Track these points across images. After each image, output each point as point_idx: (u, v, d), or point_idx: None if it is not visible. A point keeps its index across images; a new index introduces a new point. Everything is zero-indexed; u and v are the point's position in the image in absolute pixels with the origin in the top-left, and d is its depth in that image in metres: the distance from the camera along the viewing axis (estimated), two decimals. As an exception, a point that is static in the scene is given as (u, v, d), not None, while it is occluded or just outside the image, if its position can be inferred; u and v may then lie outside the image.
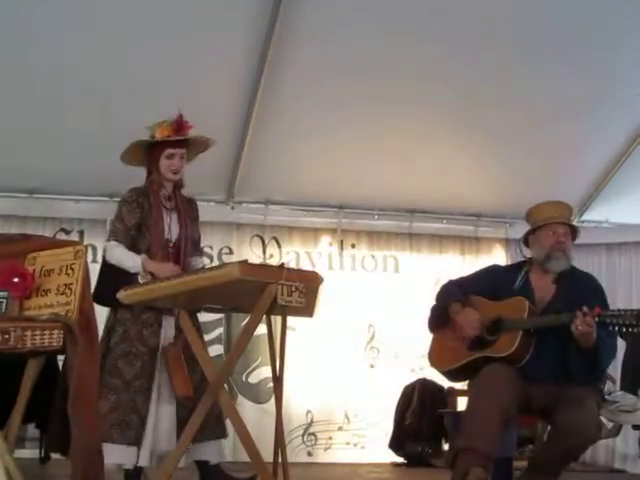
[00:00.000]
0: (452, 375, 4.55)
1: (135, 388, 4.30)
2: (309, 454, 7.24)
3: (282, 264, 3.91)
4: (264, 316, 3.88)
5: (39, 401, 3.70)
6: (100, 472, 3.70)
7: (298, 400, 7.08)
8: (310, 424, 7.25)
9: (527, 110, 6.47)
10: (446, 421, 6.68)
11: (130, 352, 4.36)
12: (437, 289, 4.62)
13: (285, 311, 3.82)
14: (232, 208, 7.29)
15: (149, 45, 5.72)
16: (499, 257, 7.69)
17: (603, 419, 5.75)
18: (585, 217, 7.71)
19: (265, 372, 6.98)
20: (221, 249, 7.28)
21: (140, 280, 4.29)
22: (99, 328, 4.36)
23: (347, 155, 6.77)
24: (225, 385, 4.05)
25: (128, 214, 4.48)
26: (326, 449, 7.29)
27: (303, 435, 7.23)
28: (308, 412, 7.25)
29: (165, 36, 5.68)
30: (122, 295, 4.00)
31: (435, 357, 4.50)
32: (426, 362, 4.58)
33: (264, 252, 7.40)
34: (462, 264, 7.61)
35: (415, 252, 7.72)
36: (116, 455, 4.25)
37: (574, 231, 4.41)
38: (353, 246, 7.63)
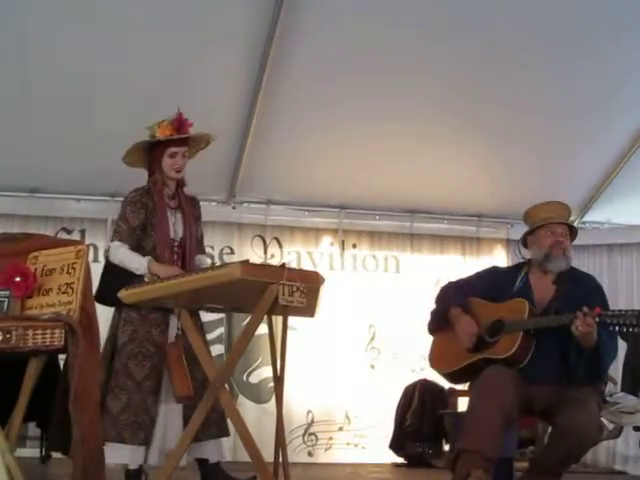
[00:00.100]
0: (453, 377, 4.55)
1: (146, 388, 4.30)
2: (310, 454, 7.24)
3: (283, 264, 3.91)
4: (265, 316, 3.88)
5: (40, 400, 3.70)
6: (101, 471, 3.70)
7: (299, 400, 7.08)
8: (311, 424, 7.26)
9: (529, 110, 6.47)
10: (446, 422, 6.68)
11: (140, 352, 4.35)
12: (438, 290, 4.63)
13: (286, 311, 3.82)
14: (233, 208, 7.29)
15: (150, 45, 5.72)
16: (500, 258, 7.70)
17: (604, 420, 5.75)
18: (587, 218, 7.71)
19: (266, 372, 6.99)
20: (222, 249, 7.28)
21: (146, 281, 4.29)
22: (106, 328, 4.39)
23: (348, 155, 6.77)
24: (226, 385, 4.04)
25: (132, 214, 4.48)
26: (327, 449, 7.29)
27: (304, 435, 7.23)
28: (309, 412, 7.25)
29: (166, 36, 5.68)
30: (123, 294, 4.01)
31: (435, 359, 4.50)
32: (427, 363, 4.57)
33: (265, 252, 7.41)
34: (463, 264, 7.60)
35: (416, 252, 7.72)
36: (125, 455, 4.26)
37: (573, 231, 4.41)
38: (354, 246, 7.63)
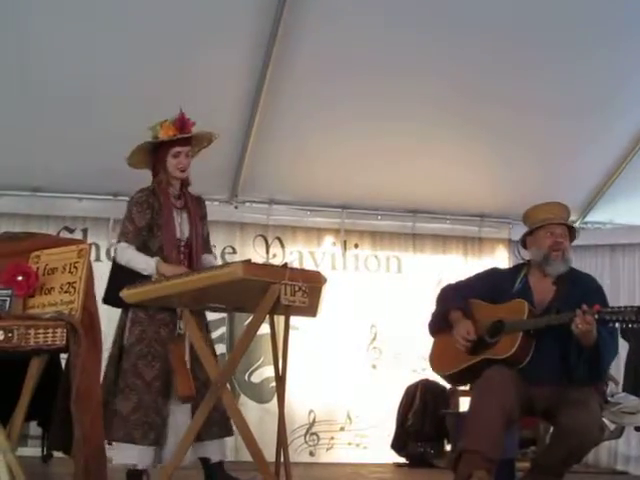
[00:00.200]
0: (453, 379, 4.56)
1: (156, 388, 4.31)
2: (311, 454, 7.23)
3: (285, 264, 3.92)
4: (267, 316, 3.88)
5: (42, 399, 3.70)
6: (103, 470, 3.71)
7: (300, 400, 7.08)
8: (312, 424, 7.25)
9: (531, 110, 6.46)
10: (448, 422, 6.67)
11: (149, 353, 4.36)
12: (439, 290, 4.63)
13: (288, 311, 3.83)
14: (235, 208, 7.28)
15: (151, 44, 5.71)
16: (502, 258, 7.69)
17: (606, 421, 5.75)
18: (589, 218, 7.70)
19: (268, 372, 6.99)
20: (224, 249, 7.27)
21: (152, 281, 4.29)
22: (109, 328, 4.39)
23: (351, 155, 6.77)
24: (227, 384, 4.05)
25: (138, 215, 4.48)
26: (328, 449, 7.29)
27: (305, 435, 7.23)
28: (310, 412, 7.25)
29: (167, 36, 5.67)
30: (125, 294, 4.01)
31: (436, 361, 4.51)
32: (428, 362, 4.58)
33: (267, 252, 7.40)
34: (465, 265, 7.60)
35: (418, 252, 7.72)
36: (135, 455, 4.27)
37: (572, 232, 4.41)
38: (356, 246, 7.62)
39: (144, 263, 4.39)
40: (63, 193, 6.96)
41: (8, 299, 3.65)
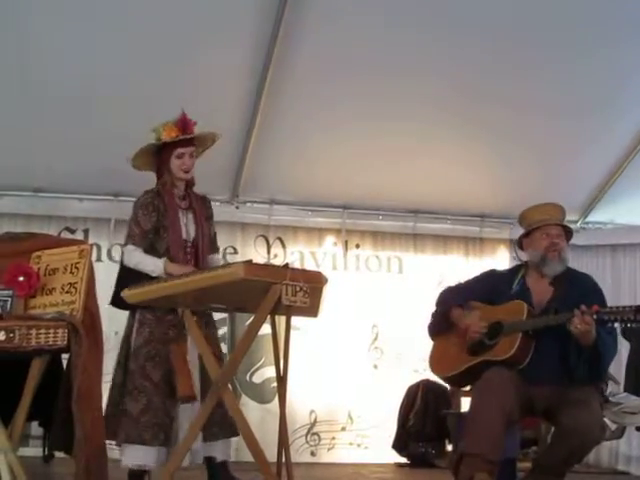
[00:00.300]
0: (453, 381, 4.58)
1: (164, 390, 4.31)
2: (312, 454, 7.23)
3: (286, 264, 3.92)
4: (268, 316, 3.88)
5: (43, 399, 3.71)
6: (104, 470, 3.71)
7: (302, 400, 7.08)
8: (313, 424, 7.25)
9: (531, 110, 6.46)
10: (449, 422, 6.67)
11: (157, 354, 4.36)
12: (440, 290, 4.64)
13: (289, 311, 3.83)
14: (237, 208, 7.28)
15: (152, 44, 5.70)
16: (503, 258, 7.68)
17: (607, 421, 5.75)
18: (590, 218, 7.70)
19: (269, 372, 6.98)
20: (225, 249, 7.26)
21: None
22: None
23: (352, 155, 6.76)
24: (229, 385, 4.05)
25: (144, 217, 4.49)
26: (329, 449, 7.29)
27: (306, 435, 7.23)
28: (312, 412, 7.25)
29: (168, 35, 5.66)
30: (126, 294, 4.01)
31: (435, 363, 4.52)
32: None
33: (268, 252, 7.40)
34: (466, 265, 7.60)
35: (419, 253, 7.71)
36: (145, 456, 4.28)
37: (568, 232, 4.42)
38: (357, 246, 7.62)
39: (152, 265, 4.40)
40: (64, 193, 6.95)
41: (9, 299, 3.66)
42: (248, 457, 3.94)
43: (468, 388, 4.72)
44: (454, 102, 6.37)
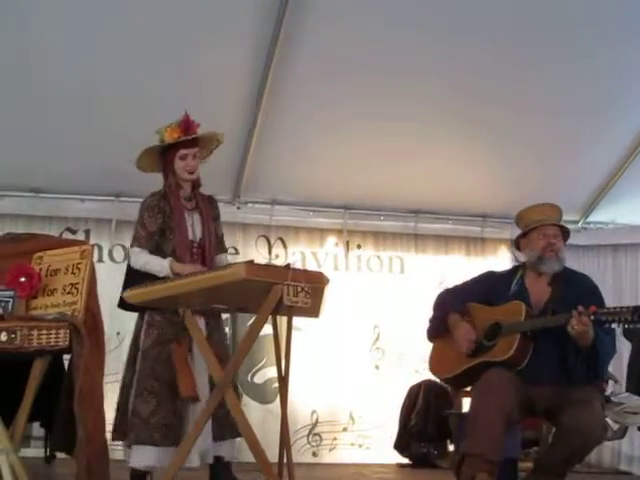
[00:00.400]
0: (453, 382, 4.60)
1: (173, 391, 4.30)
2: (314, 454, 7.23)
3: (288, 264, 3.91)
4: (270, 316, 3.88)
5: (45, 400, 3.71)
6: (105, 470, 3.72)
7: (303, 400, 7.08)
8: (315, 424, 7.25)
9: (532, 110, 6.45)
10: (451, 422, 6.66)
11: (167, 356, 4.36)
12: (436, 295, 4.64)
13: (291, 311, 3.83)
14: (238, 208, 7.27)
15: (154, 45, 5.71)
16: (504, 258, 7.67)
17: (609, 421, 5.75)
18: (591, 218, 7.70)
19: (270, 372, 6.98)
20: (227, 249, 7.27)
21: None
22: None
23: (353, 155, 6.76)
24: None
25: (150, 220, 4.51)
26: (331, 450, 7.28)
27: (308, 435, 7.23)
28: (313, 412, 7.24)
29: (169, 36, 5.66)
30: (127, 295, 4.01)
31: (435, 365, 4.54)
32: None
33: (270, 252, 7.40)
34: (468, 265, 7.58)
35: (420, 253, 7.71)
36: (155, 457, 4.28)
37: (565, 232, 4.42)
38: (359, 247, 7.61)
39: (159, 265, 4.42)
40: (65, 194, 6.95)
41: (11, 300, 3.67)
42: (249, 457, 3.94)
43: (469, 389, 4.73)
44: (454, 102, 6.37)
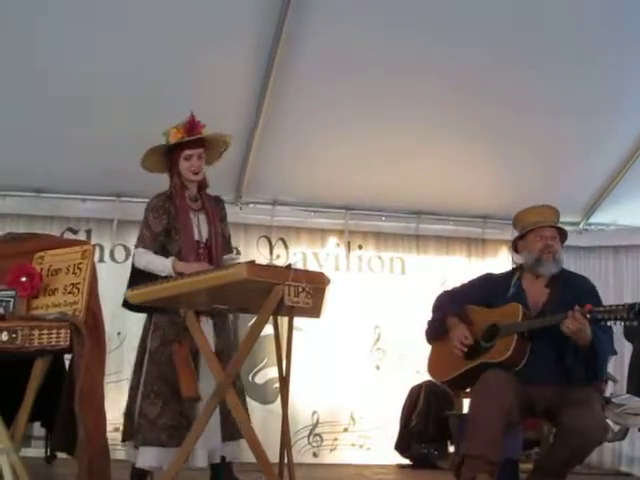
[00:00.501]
0: (451, 384, 4.60)
1: (180, 392, 4.30)
2: (315, 455, 7.23)
3: (289, 265, 3.91)
4: (271, 317, 3.88)
5: (45, 400, 3.71)
6: (106, 470, 3.71)
7: (304, 401, 7.08)
8: (316, 425, 7.25)
9: (533, 111, 6.45)
10: (452, 423, 6.66)
11: (169, 356, 4.36)
12: (435, 297, 4.64)
13: (292, 312, 3.83)
14: (240, 209, 7.27)
15: (155, 45, 5.71)
16: (505, 259, 7.67)
17: (610, 422, 5.75)
18: (593, 220, 7.70)
19: (271, 373, 6.98)
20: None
21: None
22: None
23: (355, 156, 6.76)
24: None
25: (154, 220, 4.52)
26: (332, 450, 7.28)
27: (309, 436, 7.23)
28: (314, 413, 7.24)
29: (169, 36, 5.66)
30: (129, 295, 4.01)
31: (433, 367, 4.55)
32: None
33: (271, 253, 7.40)
34: (468, 266, 7.60)
35: (422, 254, 7.71)
36: (161, 458, 4.28)
37: (563, 234, 4.42)
38: (360, 247, 7.62)
39: (161, 265, 4.42)
40: (67, 194, 6.96)
41: (12, 300, 3.67)
42: (250, 458, 3.94)
43: (469, 390, 4.73)
44: (454, 102, 6.37)
